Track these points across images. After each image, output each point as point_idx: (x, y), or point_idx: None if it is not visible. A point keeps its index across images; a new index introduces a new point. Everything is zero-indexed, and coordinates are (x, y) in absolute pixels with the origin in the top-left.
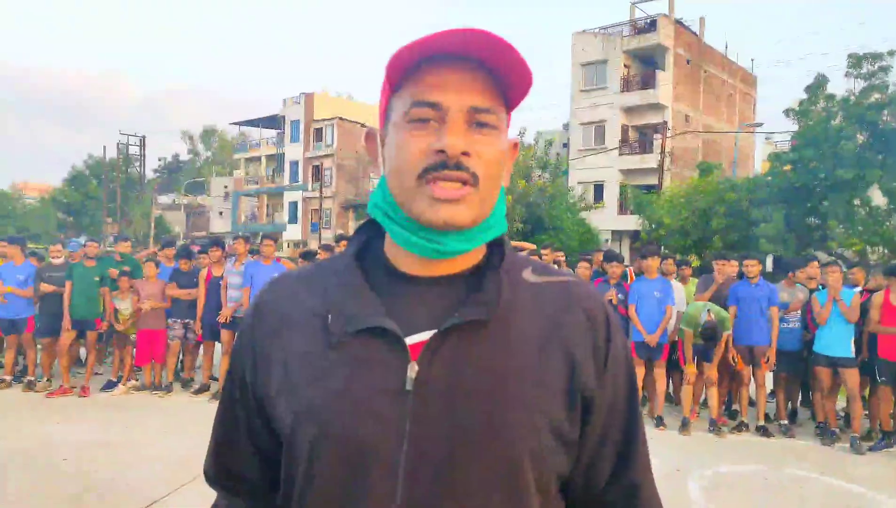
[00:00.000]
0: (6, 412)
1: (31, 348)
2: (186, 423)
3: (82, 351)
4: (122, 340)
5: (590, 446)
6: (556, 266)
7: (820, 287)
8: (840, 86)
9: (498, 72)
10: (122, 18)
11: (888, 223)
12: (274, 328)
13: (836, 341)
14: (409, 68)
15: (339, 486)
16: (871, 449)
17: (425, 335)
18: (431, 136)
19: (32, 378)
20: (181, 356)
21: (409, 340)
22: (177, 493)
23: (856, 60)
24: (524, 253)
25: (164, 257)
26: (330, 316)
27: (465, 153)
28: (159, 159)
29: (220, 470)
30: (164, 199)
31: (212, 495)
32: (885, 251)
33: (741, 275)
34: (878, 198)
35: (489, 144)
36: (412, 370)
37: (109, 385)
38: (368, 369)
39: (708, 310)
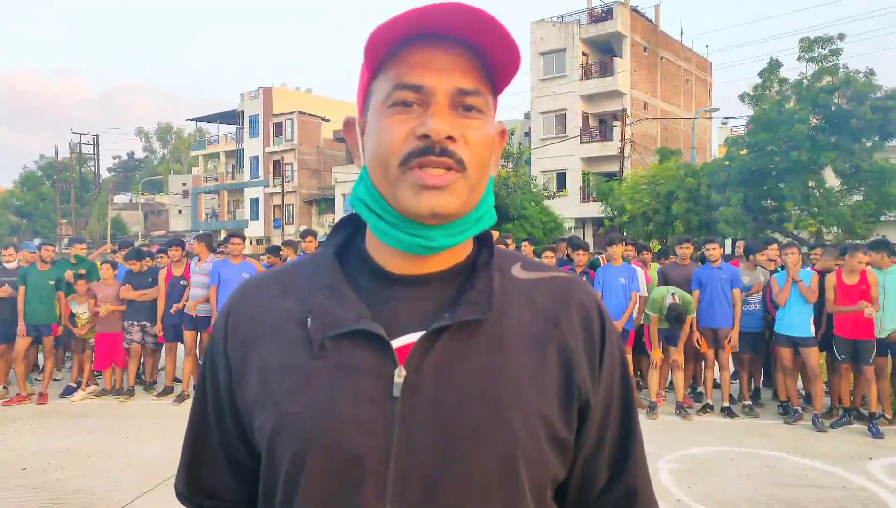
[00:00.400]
0: None
1: None
2: (150, 427)
3: (40, 357)
4: (81, 344)
5: (586, 449)
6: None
7: (779, 269)
8: (793, 70)
9: (485, 52)
10: (71, 15)
11: (842, 204)
12: (249, 336)
13: (797, 321)
14: (388, 49)
15: (324, 501)
16: (832, 426)
17: (413, 338)
18: (414, 120)
19: None
20: (143, 359)
21: (396, 343)
22: (143, 498)
23: (807, 44)
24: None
25: (122, 259)
26: (310, 320)
27: (450, 138)
28: (114, 158)
29: (193, 488)
30: (121, 198)
31: (176, 501)
32: (840, 232)
33: (702, 259)
34: (831, 179)
35: (476, 128)
36: (399, 375)
37: (69, 391)
38: (353, 376)
39: (672, 294)
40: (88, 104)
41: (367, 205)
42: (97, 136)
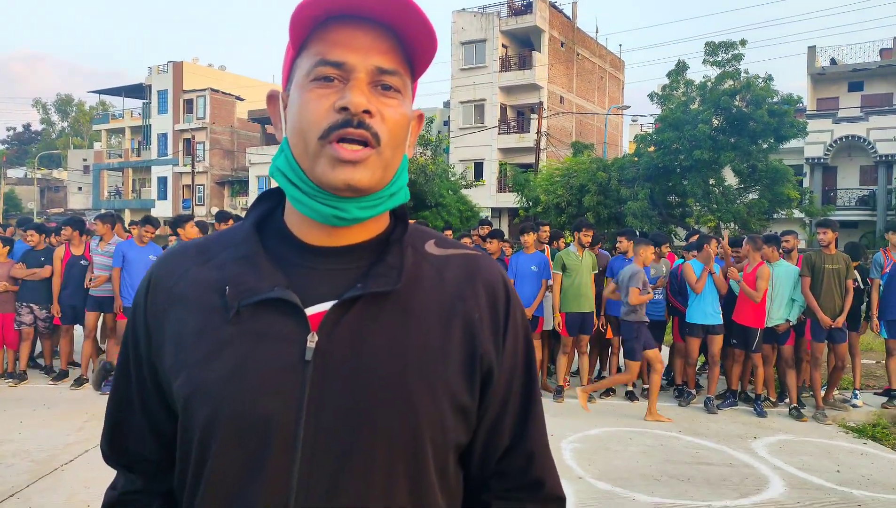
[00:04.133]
0: None
1: None
2: (45, 412)
3: None
4: None
5: (489, 416)
6: None
7: (681, 260)
8: (699, 72)
9: (405, 36)
10: None
11: (739, 201)
12: (167, 303)
13: (711, 309)
14: (313, 27)
15: (235, 463)
16: (720, 407)
17: (326, 306)
18: (335, 95)
19: None
20: (39, 343)
21: (310, 311)
22: (39, 483)
23: (712, 48)
24: None
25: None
26: (227, 289)
27: (367, 112)
28: (8, 130)
29: (115, 449)
30: (15, 173)
31: (74, 487)
32: (736, 227)
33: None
34: (730, 178)
35: (393, 106)
36: (312, 340)
37: None
38: (267, 342)
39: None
40: None
41: (285, 175)
42: None
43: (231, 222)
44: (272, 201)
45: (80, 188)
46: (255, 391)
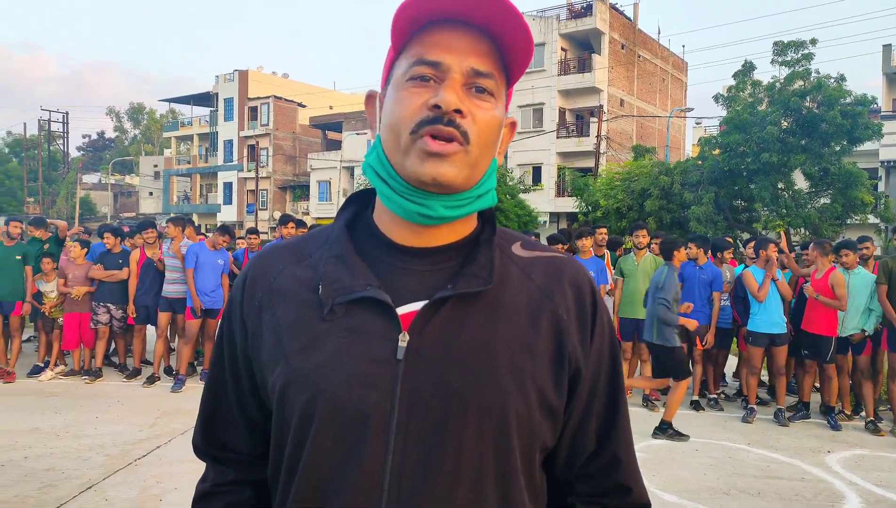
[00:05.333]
0: None
1: None
2: (119, 408)
3: None
4: (50, 324)
5: (575, 417)
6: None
7: (743, 266)
8: (766, 73)
9: (502, 41)
10: None
11: (809, 206)
12: (265, 298)
13: (776, 318)
14: (412, 30)
15: (331, 450)
16: (791, 419)
17: (417, 306)
18: (429, 93)
19: None
20: (114, 342)
21: (401, 310)
22: (113, 478)
23: (781, 48)
24: None
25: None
26: (321, 287)
27: (458, 111)
28: (84, 137)
29: (209, 441)
30: (90, 178)
31: (146, 481)
32: (807, 233)
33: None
34: (800, 182)
35: (485, 109)
36: (403, 339)
37: (36, 371)
38: (360, 339)
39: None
40: (58, 81)
41: (376, 171)
42: (66, 113)
43: (291, 224)
44: (362, 202)
45: (150, 193)
46: (350, 381)
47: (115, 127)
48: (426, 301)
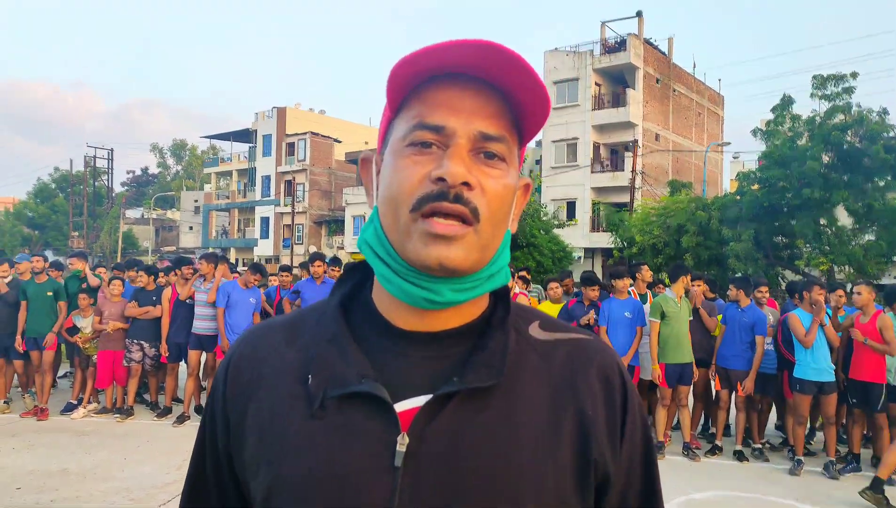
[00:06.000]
0: None
1: None
2: (148, 448)
3: None
4: (84, 360)
5: None
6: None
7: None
8: (806, 107)
9: (512, 97)
10: (89, 29)
11: (854, 243)
12: (248, 388)
13: (824, 365)
14: (412, 86)
15: None
16: (841, 472)
17: (419, 402)
18: (432, 163)
19: None
20: (145, 379)
21: (400, 406)
22: None
23: (820, 81)
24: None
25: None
26: (310, 377)
27: (466, 184)
28: (128, 173)
29: None
30: (133, 213)
31: None
32: (851, 271)
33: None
34: (843, 218)
35: (496, 177)
36: (402, 443)
37: (69, 408)
38: (353, 440)
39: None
40: (104, 117)
41: (373, 250)
42: (111, 150)
43: (318, 263)
44: (359, 275)
45: (190, 228)
46: (342, 493)
47: (158, 163)
48: (429, 396)
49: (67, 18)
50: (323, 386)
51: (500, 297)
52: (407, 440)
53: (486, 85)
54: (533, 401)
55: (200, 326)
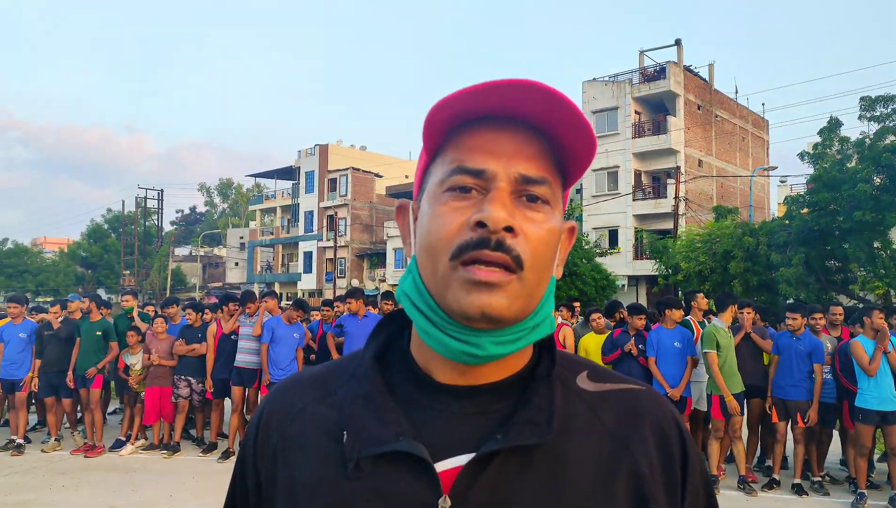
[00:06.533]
0: (11, 476)
1: (23, 408)
2: (193, 485)
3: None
4: (133, 397)
5: None
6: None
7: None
8: (854, 129)
9: (555, 138)
10: (138, 75)
11: None
12: (279, 447)
13: (887, 394)
14: (448, 129)
15: None
16: None
17: (460, 461)
18: (471, 208)
19: (21, 441)
20: (192, 415)
21: (441, 466)
22: None
23: (868, 103)
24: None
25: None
26: (346, 435)
27: (509, 229)
28: (177, 212)
29: None
30: (181, 251)
31: None
32: None
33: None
34: None
35: (540, 222)
36: (443, 505)
37: (118, 444)
38: (390, 504)
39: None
40: (153, 159)
41: (412, 301)
42: (161, 191)
43: (359, 300)
44: (396, 326)
45: (236, 264)
46: None
47: (205, 202)
48: (472, 455)
49: (120, 66)
50: (358, 445)
51: (545, 347)
52: (449, 502)
53: (526, 126)
54: (582, 460)
55: (242, 360)
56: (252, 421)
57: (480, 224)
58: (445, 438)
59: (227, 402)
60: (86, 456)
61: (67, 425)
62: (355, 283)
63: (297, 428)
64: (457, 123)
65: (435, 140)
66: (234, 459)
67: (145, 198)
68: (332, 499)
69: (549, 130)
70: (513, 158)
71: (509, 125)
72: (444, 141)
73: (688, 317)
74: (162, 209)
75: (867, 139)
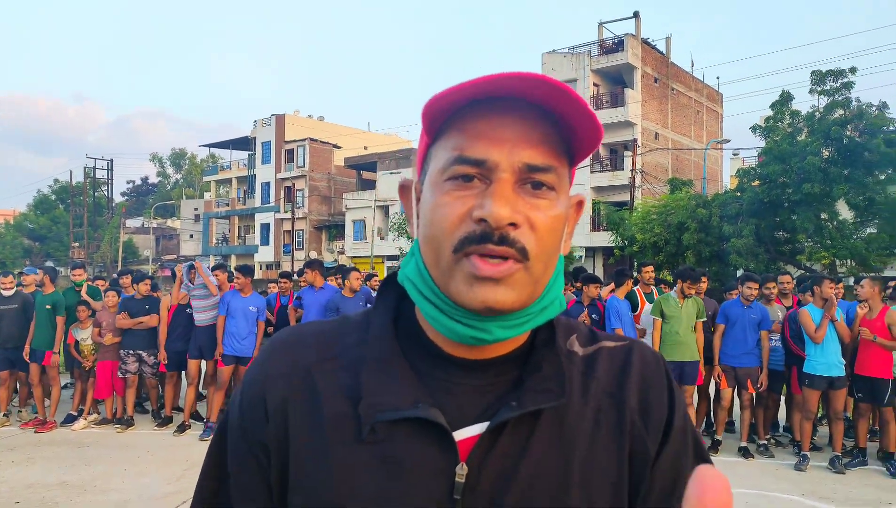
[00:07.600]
0: None
1: None
2: (148, 459)
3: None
4: (86, 373)
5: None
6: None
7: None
8: (805, 103)
9: (561, 119)
10: (87, 41)
11: (855, 237)
12: (284, 405)
13: (835, 361)
14: (448, 114)
15: None
16: (848, 466)
17: (476, 430)
18: (473, 199)
19: None
20: (144, 390)
21: (458, 435)
22: None
23: (819, 77)
24: None
25: (124, 286)
26: (362, 400)
27: (512, 224)
28: (128, 183)
29: None
30: (133, 223)
31: None
32: (854, 264)
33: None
34: (845, 212)
35: (545, 210)
36: (461, 473)
37: (69, 419)
38: (407, 473)
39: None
40: (104, 128)
41: (416, 286)
42: (111, 160)
43: (315, 271)
44: (399, 290)
45: (191, 236)
46: None
47: (157, 172)
48: (485, 424)
49: (68, 31)
50: (374, 411)
51: None
52: (466, 469)
53: (531, 108)
54: (581, 420)
55: (201, 317)
56: (251, 380)
57: (482, 220)
58: (458, 409)
59: (184, 375)
60: (36, 432)
61: (16, 402)
62: (314, 255)
63: (306, 387)
64: (458, 106)
65: (435, 123)
66: (189, 432)
67: (94, 168)
68: (344, 464)
69: (554, 112)
70: (517, 145)
71: (512, 109)
72: (446, 123)
73: (635, 288)
74: (112, 180)
75: (817, 113)
